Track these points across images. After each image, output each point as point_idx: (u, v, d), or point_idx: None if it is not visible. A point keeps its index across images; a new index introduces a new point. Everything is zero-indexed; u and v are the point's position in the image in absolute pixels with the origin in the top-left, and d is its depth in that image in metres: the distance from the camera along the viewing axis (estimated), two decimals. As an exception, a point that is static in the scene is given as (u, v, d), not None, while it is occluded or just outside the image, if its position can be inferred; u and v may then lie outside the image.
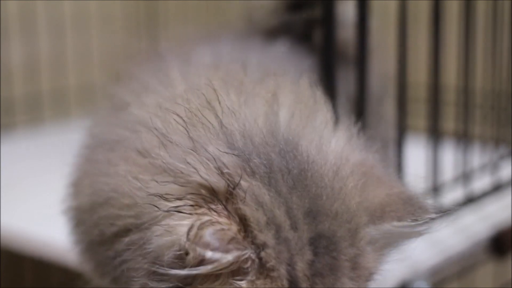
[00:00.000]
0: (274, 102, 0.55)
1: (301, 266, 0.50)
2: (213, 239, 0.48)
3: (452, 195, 0.92)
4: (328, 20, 0.72)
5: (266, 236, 0.50)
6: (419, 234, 0.56)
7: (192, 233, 0.48)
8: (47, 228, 0.97)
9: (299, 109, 0.56)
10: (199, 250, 0.47)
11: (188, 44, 0.77)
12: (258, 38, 0.86)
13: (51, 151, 1.35)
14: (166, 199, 0.50)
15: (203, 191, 0.50)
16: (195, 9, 1.67)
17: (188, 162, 0.51)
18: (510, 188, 1.00)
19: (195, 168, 0.51)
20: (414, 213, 0.54)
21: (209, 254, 0.47)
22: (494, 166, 0.98)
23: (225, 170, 0.51)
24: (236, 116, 0.54)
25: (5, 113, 1.46)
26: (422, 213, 0.54)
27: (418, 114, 0.98)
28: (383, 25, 0.93)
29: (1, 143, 1.37)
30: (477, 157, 0.98)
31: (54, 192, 1.15)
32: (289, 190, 0.51)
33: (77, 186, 0.65)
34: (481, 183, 0.96)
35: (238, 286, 0.50)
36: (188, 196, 0.50)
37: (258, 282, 0.50)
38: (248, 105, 0.55)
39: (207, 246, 0.48)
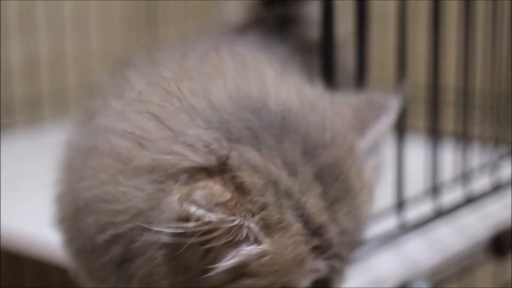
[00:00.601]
0: (221, 73, 0.58)
1: (312, 202, 0.53)
2: (200, 199, 0.49)
3: (451, 195, 0.92)
4: (328, 20, 0.71)
5: (265, 197, 0.52)
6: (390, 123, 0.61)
7: (184, 193, 0.50)
8: (47, 228, 0.97)
9: (248, 72, 0.58)
10: (185, 205, 0.49)
11: (160, 47, 0.77)
12: (231, 34, 0.86)
13: (51, 151, 1.35)
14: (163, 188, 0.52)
15: (196, 174, 0.52)
16: (195, 9, 1.67)
17: (174, 152, 0.52)
18: (509, 188, 1.00)
19: (182, 155, 0.52)
20: (384, 109, 0.60)
21: (193, 209, 0.49)
22: (493, 166, 0.98)
23: (212, 147, 0.52)
24: (198, 96, 0.55)
25: (5, 113, 1.46)
26: (389, 106, 0.60)
27: (418, 114, 0.98)
28: (383, 25, 0.93)
29: (1, 143, 1.37)
30: (476, 157, 0.98)
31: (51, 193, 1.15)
32: (278, 141, 0.53)
33: (60, 198, 0.65)
34: (480, 183, 0.96)
35: (250, 253, 0.51)
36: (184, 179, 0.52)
37: (274, 239, 0.52)
38: (202, 84, 0.57)
39: (193, 202, 0.49)
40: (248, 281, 0.53)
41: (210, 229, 0.50)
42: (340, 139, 0.56)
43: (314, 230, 0.54)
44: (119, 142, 0.56)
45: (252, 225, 0.52)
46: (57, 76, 1.54)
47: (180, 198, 0.50)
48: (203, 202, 0.49)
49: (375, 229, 0.81)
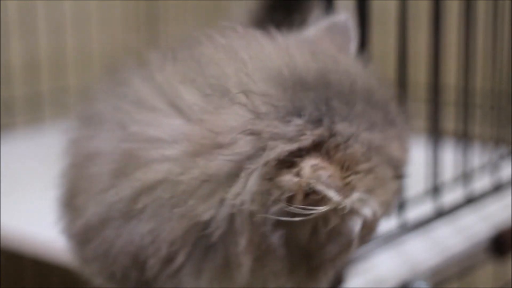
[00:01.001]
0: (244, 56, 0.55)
1: (396, 147, 0.55)
2: (323, 178, 0.49)
3: (452, 195, 0.92)
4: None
5: (370, 161, 0.52)
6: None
7: (305, 172, 0.49)
8: (47, 228, 0.97)
9: (270, 49, 0.56)
10: (308, 182, 0.49)
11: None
12: None
13: (51, 151, 1.35)
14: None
15: (299, 154, 0.50)
16: (195, 9, 1.67)
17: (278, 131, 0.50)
18: (510, 188, 1.00)
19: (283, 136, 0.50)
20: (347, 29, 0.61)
21: (320, 187, 0.49)
22: (494, 166, 0.98)
23: (311, 127, 0.51)
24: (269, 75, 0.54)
25: (5, 113, 1.46)
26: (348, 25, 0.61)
27: (418, 114, 0.98)
28: (384, 25, 0.93)
29: (2, 143, 1.37)
30: (477, 157, 0.98)
31: (55, 192, 1.15)
32: (354, 106, 0.53)
33: (73, 205, 0.62)
34: (481, 183, 0.96)
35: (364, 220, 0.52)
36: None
37: (379, 197, 0.52)
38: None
39: (325, 185, 0.49)
40: (366, 236, 0.56)
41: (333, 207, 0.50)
42: (377, 83, 0.57)
43: (397, 173, 0.55)
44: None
45: (363, 195, 0.51)
46: (58, 76, 1.54)
47: (300, 176, 0.49)
48: (327, 181, 0.49)
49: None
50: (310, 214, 0.49)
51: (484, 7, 0.97)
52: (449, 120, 0.95)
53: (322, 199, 0.49)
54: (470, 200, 0.94)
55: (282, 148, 0.50)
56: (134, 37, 1.69)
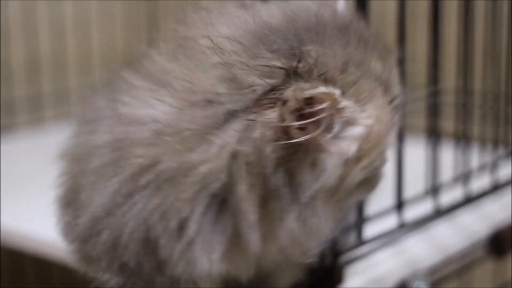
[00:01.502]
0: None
1: (376, 62, 0.57)
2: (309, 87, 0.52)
3: (451, 195, 0.92)
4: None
5: (351, 75, 0.54)
6: None
7: (293, 95, 0.52)
8: (47, 227, 0.98)
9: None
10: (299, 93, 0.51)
11: None
12: None
13: (52, 151, 1.35)
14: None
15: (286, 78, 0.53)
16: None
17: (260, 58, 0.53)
18: (509, 188, 1.00)
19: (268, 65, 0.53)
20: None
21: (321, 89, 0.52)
22: (493, 166, 0.98)
23: (294, 51, 0.53)
24: (254, 20, 0.57)
25: (6, 113, 1.46)
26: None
27: (418, 114, 0.98)
28: (383, 25, 0.93)
29: (3, 144, 1.38)
30: (476, 157, 0.98)
31: (54, 193, 1.16)
32: (343, 34, 0.56)
33: (76, 202, 0.62)
34: (480, 183, 0.96)
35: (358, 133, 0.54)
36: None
37: (370, 111, 0.55)
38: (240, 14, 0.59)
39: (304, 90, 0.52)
40: (363, 164, 0.55)
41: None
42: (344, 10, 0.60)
43: (385, 87, 0.57)
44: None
45: (349, 105, 0.53)
46: (59, 77, 1.55)
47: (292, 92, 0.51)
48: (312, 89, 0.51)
49: (375, 229, 0.81)
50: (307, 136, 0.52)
51: (483, 7, 0.97)
52: (448, 120, 0.95)
53: (314, 118, 0.52)
54: (469, 200, 0.94)
55: (260, 85, 0.52)
56: (135, 38, 1.69)
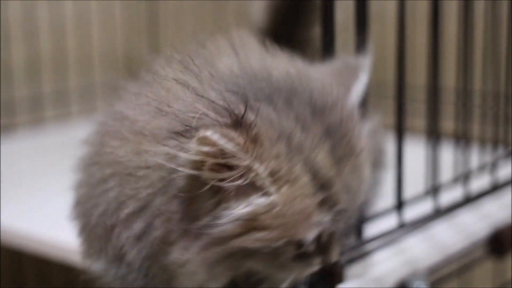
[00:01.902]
0: (222, 52, 0.64)
1: (322, 156, 0.57)
2: (217, 137, 0.54)
3: (451, 195, 0.92)
4: (328, 20, 0.72)
5: (278, 148, 0.56)
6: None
7: (202, 134, 0.54)
8: (47, 226, 0.98)
9: (247, 50, 0.64)
10: (203, 132, 0.54)
11: None
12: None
13: (53, 151, 1.36)
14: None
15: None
16: (195, 10, 1.68)
17: (195, 111, 0.56)
18: (508, 188, 1.00)
19: (203, 113, 0.55)
20: (358, 68, 0.66)
21: (209, 133, 0.54)
22: (492, 166, 0.98)
23: (231, 106, 0.55)
24: (211, 67, 0.61)
25: (7, 113, 1.46)
26: (361, 65, 0.66)
27: (418, 114, 0.99)
28: (383, 26, 0.94)
29: (3, 144, 1.38)
30: (475, 157, 0.98)
31: (55, 191, 1.16)
32: (289, 102, 0.58)
33: (77, 181, 0.70)
34: (479, 183, 0.97)
35: (260, 203, 0.55)
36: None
37: (283, 190, 0.56)
38: (211, 59, 0.63)
39: (210, 140, 0.54)
40: (258, 235, 0.56)
41: (224, 164, 0.54)
42: (340, 102, 0.60)
43: (322, 184, 0.57)
44: (137, 116, 0.61)
45: (262, 171, 0.55)
46: (59, 77, 1.55)
47: (198, 137, 0.54)
48: (220, 140, 0.54)
49: (375, 229, 0.81)
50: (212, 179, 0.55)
51: (482, 7, 0.97)
52: (448, 120, 0.95)
53: (226, 166, 0.54)
54: (469, 200, 0.94)
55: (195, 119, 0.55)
56: (135, 39, 1.70)
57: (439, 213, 0.90)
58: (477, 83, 0.98)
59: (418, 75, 0.93)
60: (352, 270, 0.79)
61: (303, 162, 0.56)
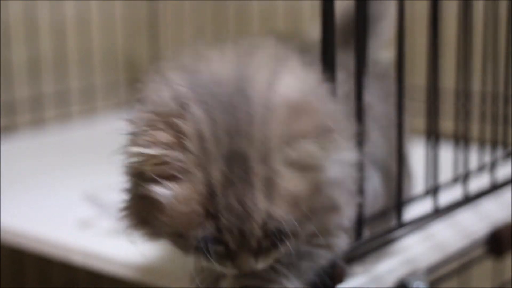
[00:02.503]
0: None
1: (215, 174, 0.62)
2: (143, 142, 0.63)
3: (450, 195, 0.92)
4: (328, 20, 0.72)
5: (192, 144, 0.62)
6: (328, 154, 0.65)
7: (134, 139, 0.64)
8: (48, 225, 0.98)
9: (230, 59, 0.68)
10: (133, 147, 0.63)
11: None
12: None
13: (53, 152, 1.36)
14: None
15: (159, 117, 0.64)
16: (194, 10, 1.68)
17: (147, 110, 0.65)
18: (508, 188, 1.00)
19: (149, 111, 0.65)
20: (323, 136, 0.64)
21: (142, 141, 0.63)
22: (492, 167, 0.99)
23: (178, 99, 0.64)
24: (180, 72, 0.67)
25: (8, 114, 1.46)
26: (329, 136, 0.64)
27: (416, 114, 0.99)
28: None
29: (4, 144, 1.38)
30: (475, 157, 0.98)
31: (56, 191, 1.17)
32: (220, 112, 0.63)
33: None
34: (479, 183, 0.97)
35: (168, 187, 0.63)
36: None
37: (183, 185, 0.62)
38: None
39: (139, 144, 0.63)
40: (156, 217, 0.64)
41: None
42: (258, 139, 0.62)
43: (211, 197, 0.62)
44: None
45: (174, 164, 0.62)
46: (60, 78, 1.55)
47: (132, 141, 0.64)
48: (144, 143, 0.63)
49: (374, 229, 0.81)
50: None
51: (482, 7, 0.97)
52: (448, 121, 0.95)
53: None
54: (468, 200, 0.94)
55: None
56: (135, 39, 1.70)
57: (438, 213, 0.90)
58: (477, 84, 0.98)
59: (417, 75, 0.93)
60: (352, 270, 0.79)
61: (204, 169, 0.62)
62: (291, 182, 0.62)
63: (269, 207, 0.62)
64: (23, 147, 1.39)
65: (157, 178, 0.63)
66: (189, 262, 0.70)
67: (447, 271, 0.91)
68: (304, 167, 0.63)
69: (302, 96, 0.64)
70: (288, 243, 0.64)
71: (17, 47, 1.48)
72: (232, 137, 0.62)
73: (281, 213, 0.62)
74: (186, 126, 0.62)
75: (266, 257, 0.65)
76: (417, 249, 0.87)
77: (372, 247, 0.82)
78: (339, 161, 0.66)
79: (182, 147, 0.62)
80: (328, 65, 0.71)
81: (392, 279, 0.82)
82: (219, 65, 0.67)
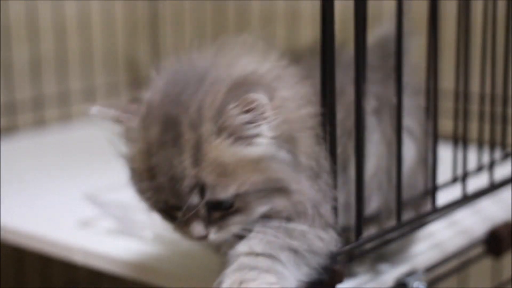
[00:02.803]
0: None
1: (152, 137, 0.68)
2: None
3: (449, 195, 0.92)
4: (328, 20, 0.72)
5: (143, 110, 0.71)
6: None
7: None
8: (48, 225, 0.98)
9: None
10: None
11: None
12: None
13: (54, 152, 1.36)
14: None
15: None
16: (194, 10, 1.68)
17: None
18: (506, 188, 1.00)
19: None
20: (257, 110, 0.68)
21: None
22: (490, 167, 0.98)
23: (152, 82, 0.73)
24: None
25: (9, 114, 1.47)
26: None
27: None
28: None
29: (5, 144, 1.38)
30: (474, 158, 0.98)
31: (56, 191, 1.17)
32: (174, 86, 0.70)
33: None
34: (478, 183, 0.97)
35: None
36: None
37: (134, 145, 0.70)
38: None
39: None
40: None
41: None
42: (191, 108, 0.68)
43: (149, 156, 0.69)
44: None
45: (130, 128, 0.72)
46: (60, 78, 1.55)
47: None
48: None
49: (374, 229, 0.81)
50: None
51: (481, 7, 0.98)
52: (447, 122, 0.95)
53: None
54: (467, 200, 0.94)
55: None
56: (136, 40, 1.70)
57: (437, 213, 0.90)
58: (475, 85, 0.98)
59: (417, 76, 0.93)
60: (351, 270, 0.79)
61: (146, 130, 0.69)
62: (218, 150, 0.66)
63: (196, 171, 0.66)
64: (23, 147, 1.39)
65: (123, 139, 0.72)
66: (189, 262, 0.70)
67: (446, 271, 0.91)
68: (233, 137, 0.67)
69: (248, 74, 0.69)
70: (237, 216, 0.68)
71: (18, 47, 1.49)
72: (173, 105, 0.68)
73: (208, 178, 0.66)
74: (145, 97, 0.72)
75: (218, 228, 0.69)
76: (416, 249, 0.87)
77: (371, 246, 0.82)
78: (281, 141, 0.69)
79: (138, 114, 0.70)
80: (328, 66, 0.71)
81: (392, 278, 0.82)
82: (198, 56, 0.73)
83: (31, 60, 1.51)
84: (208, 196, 0.66)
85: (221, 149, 0.66)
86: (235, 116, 0.66)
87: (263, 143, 0.68)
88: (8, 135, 1.44)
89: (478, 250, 0.96)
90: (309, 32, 1.46)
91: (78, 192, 1.01)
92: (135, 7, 1.69)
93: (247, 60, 0.72)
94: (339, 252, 0.73)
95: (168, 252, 0.88)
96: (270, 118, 0.67)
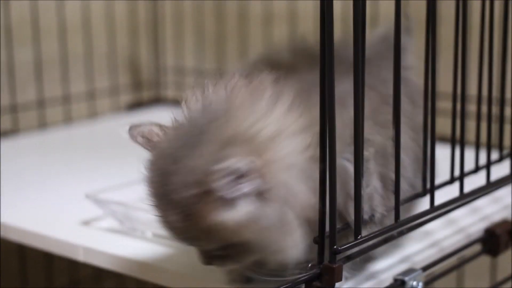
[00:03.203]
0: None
1: (152, 182, 0.72)
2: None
3: (448, 195, 0.92)
4: (328, 20, 0.72)
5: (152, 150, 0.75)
6: None
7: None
8: (50, 224, 0.99)
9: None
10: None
11: None
12: None
13: (56, 151, 1.36)
14: None
15: None
16: (194, 10, 1.68)
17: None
18: (504, 188, 1.00)
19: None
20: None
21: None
22: (488, 168, 0.99)
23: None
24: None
25: (11, 116, 1.47)
26: None
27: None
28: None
29: (7, 145, 1.39)
30: (472, 158, 0.99)
31: (58, 190, 1.17)
32: (176, 129, 0.74)
33: None
34: (476, 183, 0.97)
35: None
36: None
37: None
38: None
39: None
40: None
41: None
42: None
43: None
44: None
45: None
46: (63, 80, 1.56)
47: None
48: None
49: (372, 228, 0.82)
50: None
51: (480, 7, 0.98)
52: (445, 122, 0.96)
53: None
54: (465, 200, 0.94)
55: None
56: (137, 42, 1.71)
57: (435, 212, 0.90)
58: (473, 88, 0.98)
59: (416, 77, 0.93)
60: (349, 269, 0.80)
61: (149, 175, 0.73)
62: (203, 211, 0.69)
63: (185, 226, 0.70)
64: (26, 146, 1.39)
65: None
66: (190, 261, 0.71)
67: (444, 269, 0.92)
68: (217, 199, 0.69)
69: (240, 133, 0.70)
70: (231, 258, 0.72)
71: (20, 49, 1.49)
72: (169, 161, 0.71)
73: (193, 233, 0.71)
74: (159, 137, 0.75)
75: (221, 261, 0.73)
76: (414, 248, 0.88)
77: (370, 245, 0.82)
78: (272, 200, 0.70)
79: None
80: (327, 65, 0.72)
81: (390, 277, 0.82)
82: (211, 101, 0.73)
83: (34, 62, 1.51)
84: (196, 245, 0.73)
85: (206, 210, 0.68)
86: (219, 179, 0.67)
87: (246, 206, 0.68)
88: (10, 136, 1.45)
89: (476, 249, 0.96)
90: (309, 32, 1.46)
91: (80, 191, 1.01)
92: (136, 8, 1.69)
93: (251, 110, 0.71)
94: (337, 251, 0.73)
95: (169, 251, 0.88)
96: (255, 181, 0.68)
